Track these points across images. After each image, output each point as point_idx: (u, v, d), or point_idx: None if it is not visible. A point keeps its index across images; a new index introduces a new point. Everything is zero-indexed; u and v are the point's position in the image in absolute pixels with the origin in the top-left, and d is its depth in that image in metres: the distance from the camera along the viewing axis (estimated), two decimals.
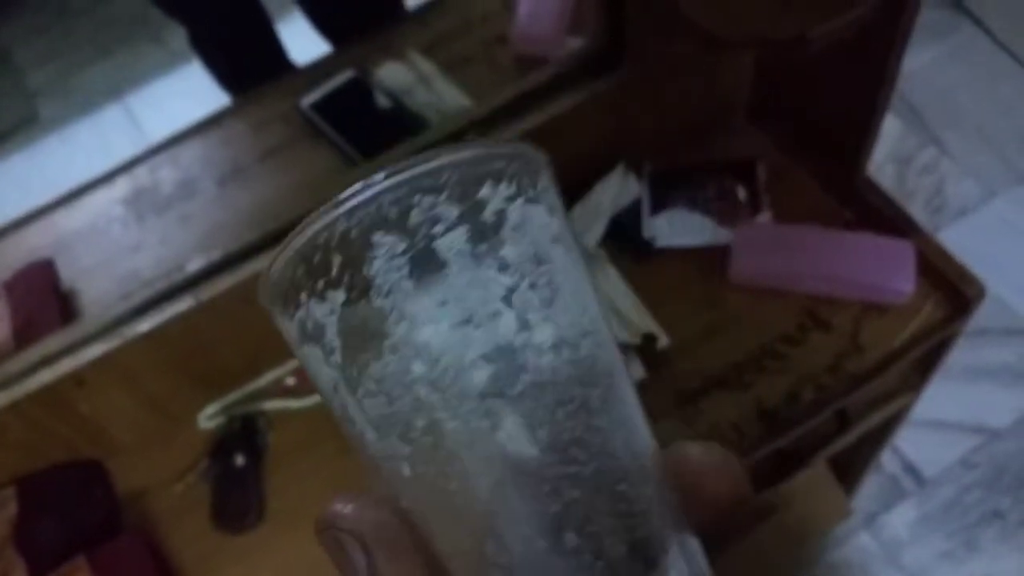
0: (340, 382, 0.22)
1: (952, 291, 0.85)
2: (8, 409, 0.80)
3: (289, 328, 0.23)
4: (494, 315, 0.21)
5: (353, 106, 1.10)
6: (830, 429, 0.98)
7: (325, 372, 0.22)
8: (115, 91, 2.21)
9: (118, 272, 1.02)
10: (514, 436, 0.21)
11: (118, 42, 2.30)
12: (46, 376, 0.81)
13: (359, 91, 1.10)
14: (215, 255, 0.85)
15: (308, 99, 1.10)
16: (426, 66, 1.11)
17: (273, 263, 0.22)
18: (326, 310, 0.21)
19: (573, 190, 0.97)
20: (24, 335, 0.95)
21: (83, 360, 0.81)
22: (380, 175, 0.21)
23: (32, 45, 2.37)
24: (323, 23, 1.46)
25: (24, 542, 0.81)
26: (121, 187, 1.11)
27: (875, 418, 0.97)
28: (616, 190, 0.96)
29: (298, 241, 0.21)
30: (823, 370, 0.83)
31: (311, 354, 0.22)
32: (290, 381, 0.92)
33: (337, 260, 0.21)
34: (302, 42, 1.45)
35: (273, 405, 0.91)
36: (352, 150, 1.05)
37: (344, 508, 0.23)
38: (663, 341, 0.84)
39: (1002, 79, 1.96)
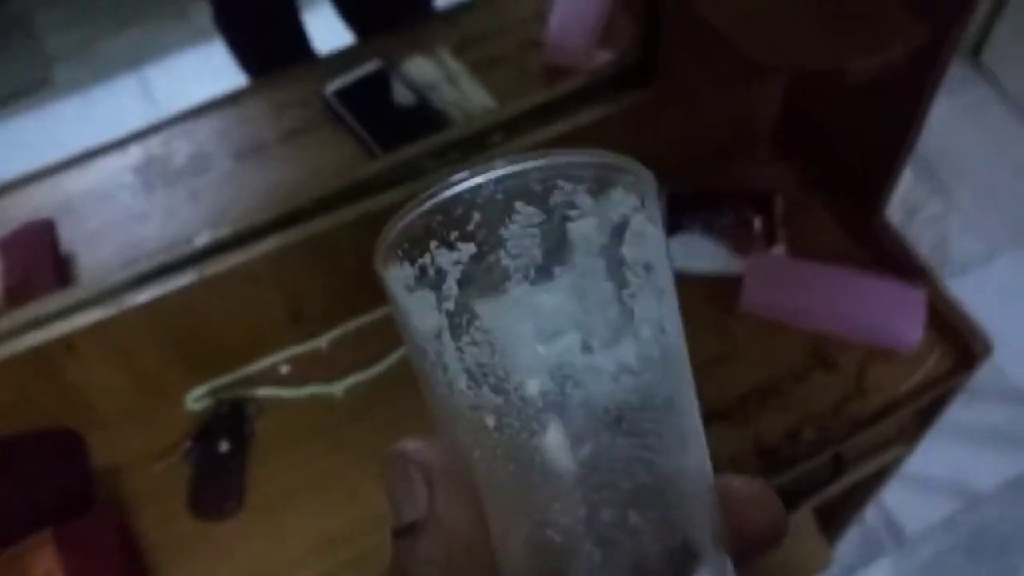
0: (445, 329, 0.23)
1: (960, 344, 0.84)
2: None
3: (402, 273, 0.24)
4: (606, 303, 0.23)
5: (377, 97, 1.08)
6: (824, 473, 0.96)
7: (431, 318, 0.23)
8: (133, 62, 2.20)
9: (121, 240, 1.00)
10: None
11: (141, 14, 2.29)
12: (36, 337, 0.79)
13: (384, 83, 1.09)
14: (223, 232, 0.83)
15: (332, 86, 1.09)
16: (454, 65, 1.10)
17: (412, 208, 0.23)
18: (453, 259, 0.23)
19: None
20: (17, 294, 0.93)
21: (76, 325, 0.79)
22: (530, 155, 0.23)
23: (54, 10, 2.37)
24: (350, 14, 1.45)
25: None
26: (133, 155, 1.09)
27: (869, 466, 0.96)
28: None
29: (446, 192, 0.23)
30: (826, 410, 0.82)
31: (422, 299, 0.23)
32: (284, 369, 0.90)
33: (477, 217, 0.23)
34: (326, 31, 1.45)
35: (264, 392, 0.89)
36: (372, 141, 1.04)
37: (415, 444, 0.24)
38: None
39: (1015, 140, 1.96)
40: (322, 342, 0.93)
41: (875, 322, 0.84)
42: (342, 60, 1.14)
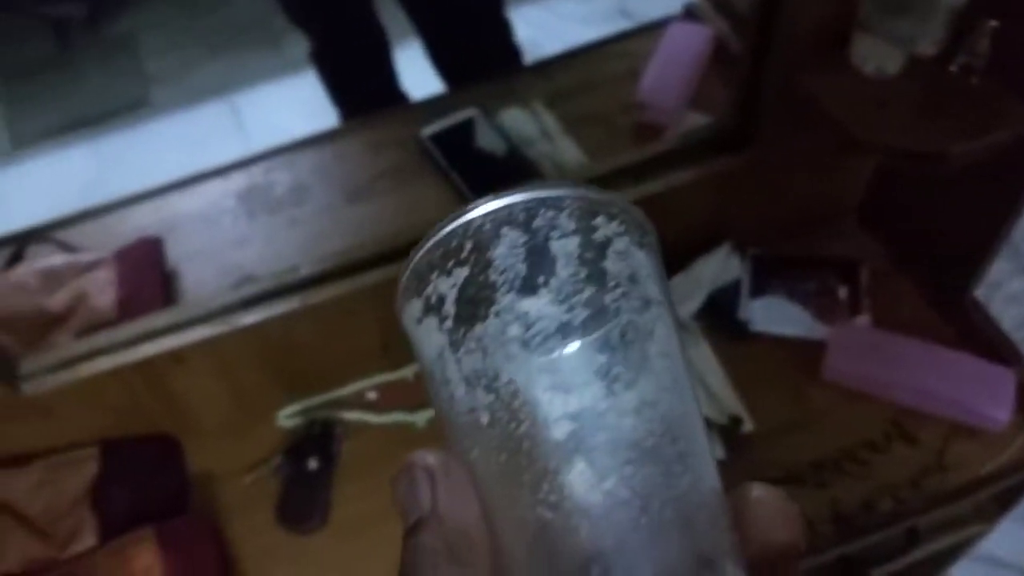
0: (446, 345, 0.26)
1: None
2: (110, 373, 0.83)
3: (414, 308, 0.26)
4: (587, 302, 0.25)
5: (471, 144, 1.12)
6: (896, 544, 0.96)
7: (435, 339, 0.26)
8: (225, 89, 2.29)
9: (221, 262, 1.05)
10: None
11: (236, 43, 2.39)
12: (150, 349, 0.84)
13: (478, 130, 1.13)
14: (327, 264, 0.87)
15: (429, 130, 1.13)
16: (548, 118, 1.14)
17: (419, 250, 0.26)
18: (450, 283, 0.25)
19: (676, 260, 0.98)
20: (126, 306, 0.98)
21: (187, 340, 0.84)
22: (515, 191, 0.26)
23: (157, 34, 2.48)
24: (442, 64, 1.50)
25: (99, 502, 0.83)
26: (236, 181, 1.14)
27: (944, 541, 0.96)
28: (718, 267, 0.97)
29: (443, 230, 0.26)
30: (904, 483, 0.83)
31: (428, 325, 0.26)
32: (372, 396, 0.94)
33: (469, 245, 0.25)
34: (418, 78, 1.51)
35: (352, 416, 0.92)
36: (464, 186, 1.07)
37: (421, 452, 0.26)
38: (748, 426, 0.84)
39: None
40: (408, 373, 0.96)
41: (961, 399, 0.84)
42: (438, 106, 1.18)
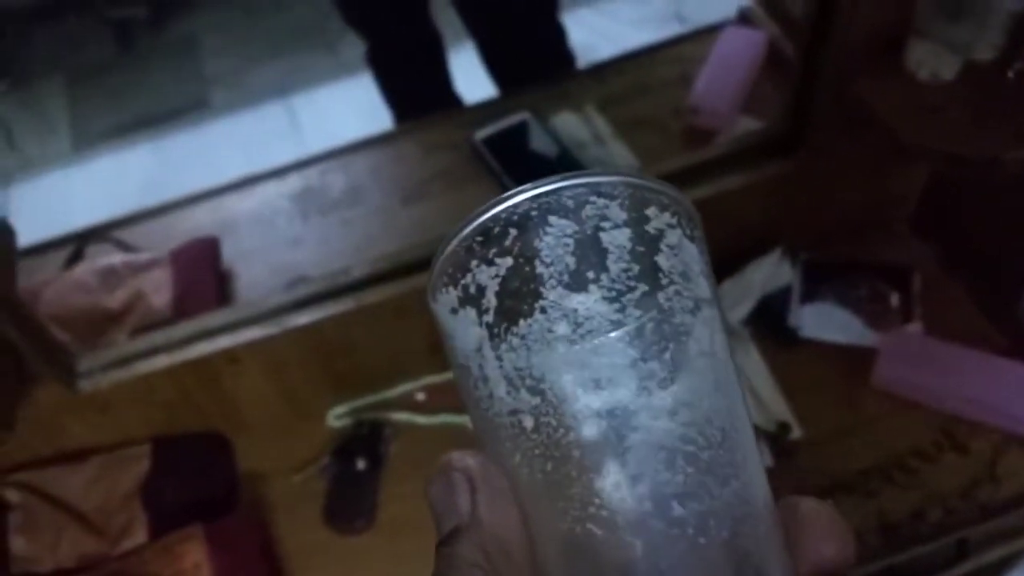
0: (485, 340, 0.24)
1: None
2: (165, 371, 0.85)
3: (448, 298, 0.25)
4: (639, 301, 0.24)
5: (523, 147, 1.13)
6: (946, 556, 0.94)
7: (473, 333, 0.25)
8: (282, 91, 2.33)
9: (275, 262, 1.08)
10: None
11: (293, 46, 2.43)
12: (204, 348, 0.86)
13: (532, 134, 1.14)
14: (381, 265, 0.88)
15: (481, 133, 1.14)
16: (600, 122, 1.14)
17: (456, 234, 0.25)
18: (491, 274, 0.24)
19: (727, 264, 0.98)
20: (182, 305, 1.01)
21: (241, 340, 0.86)
22: (563, 176, 0.24)
23: (217, 36, 2.53)
24: (496, 68, 1.51)
25: (150, 499, 0.85)
26: (292, 183, 1.17)
27: (995, 554, 0.94)
28: (769, 272, 0.97)
29: (483, 215, 0.25)
30: (954, 493, 0.81)
31: (465, 317, 0.25)
32: (420, 397, 0.95)
33: (513, 233, 0.24)
34: (471, 82, 1.52)
35: (401, 417, 0.94)
36: (514, 187, 1.08)
37: (459, 454, 0.25)
38: (796, 433, 0.84)
39: None
40: None
41: (1014, 409, 0.83)
42: (491, 109, 1.19)
